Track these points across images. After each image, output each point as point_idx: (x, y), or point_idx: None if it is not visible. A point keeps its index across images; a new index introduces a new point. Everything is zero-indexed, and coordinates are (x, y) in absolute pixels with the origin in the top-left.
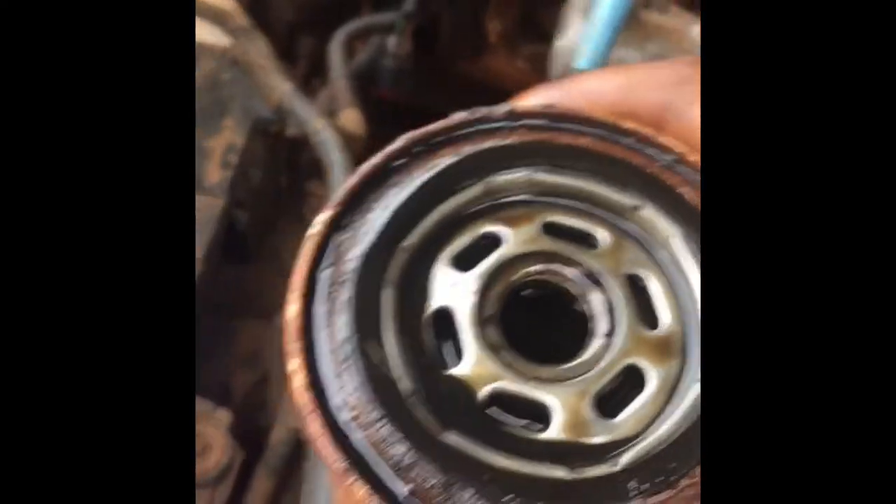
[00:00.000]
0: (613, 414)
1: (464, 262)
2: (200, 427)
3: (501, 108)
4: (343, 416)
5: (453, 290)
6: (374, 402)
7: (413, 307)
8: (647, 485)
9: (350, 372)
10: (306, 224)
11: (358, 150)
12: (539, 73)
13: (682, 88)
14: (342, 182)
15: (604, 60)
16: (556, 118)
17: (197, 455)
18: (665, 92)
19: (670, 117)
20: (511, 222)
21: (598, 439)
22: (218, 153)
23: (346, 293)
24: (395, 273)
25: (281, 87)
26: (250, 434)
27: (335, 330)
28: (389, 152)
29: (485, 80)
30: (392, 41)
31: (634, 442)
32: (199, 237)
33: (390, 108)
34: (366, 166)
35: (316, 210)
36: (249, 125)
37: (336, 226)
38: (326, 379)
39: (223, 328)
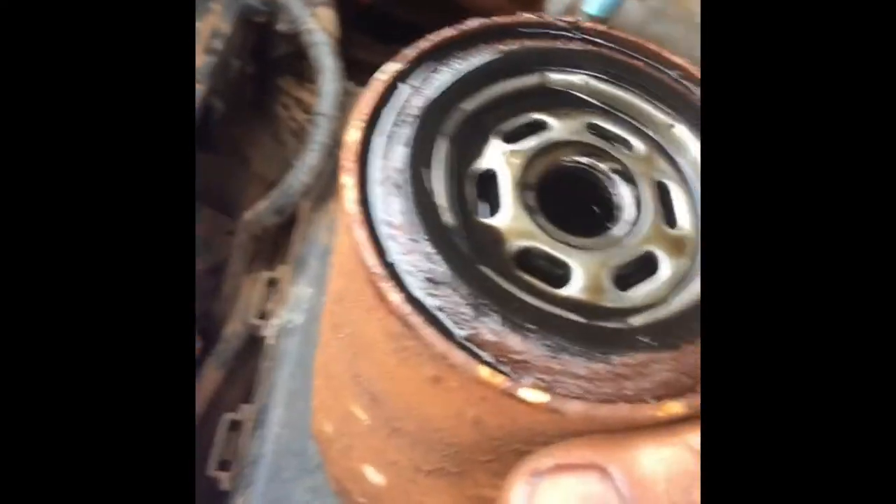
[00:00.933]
0: (628, 288)
1: (513, 137)
2: None
3: (566, 19)
4: (387, 231)
5: (501, 156)
6: (419, 223)
7: (463, 162)
8: (654, 341)
9: (400, 196)
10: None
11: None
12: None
13: None
14: (331, 87)
15: (611, 7)
16: (614, 40)
17: None
18: None
19: None
20: (560, 115)
21: (610, 303)
22: (203, 37)
23: (406, 132)
24: (452, 128)
25: None
26: (198, 324)
27: (391, 160)
28: (463, 29)
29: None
30: None
31: (645, 312)
32: None
33: (364, 13)
34: (437, 36)
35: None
36: (237, 11)
37: (403, 78)
38: (377, 199)
39: None
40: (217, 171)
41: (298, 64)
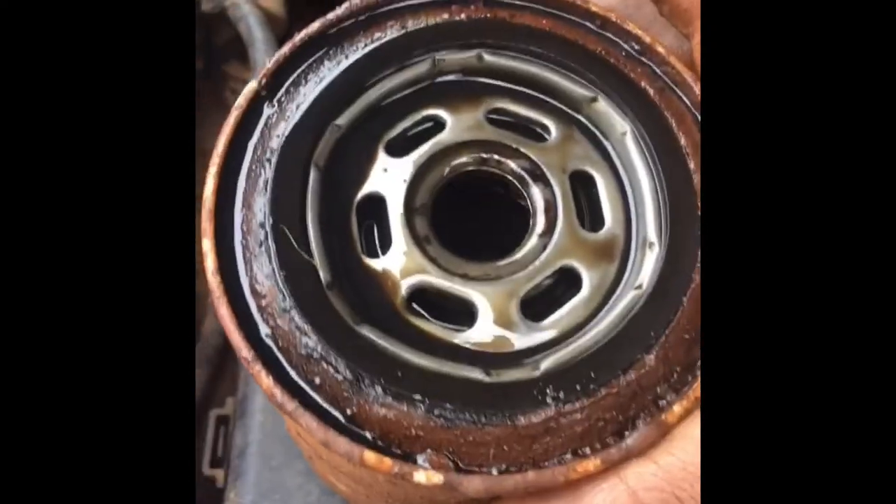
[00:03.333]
0: (542, 316)
1: (400, 146)
2: None
3: None
4: (254, 304)
5: (385, 175)
6: (285, 290)
7: (342, 192)
8: (562, 392)
9: (264, 258)
10: (227, 108)
11: (279, 33)
12: None
13: None
14: (263, 58)
15: None
16: None
17: None
18: None
19: None
20: (454, 106)
21: (520, 342)
22: None
23: (267, 173)
24: (325, 154)
25: None
26: None
27: (252, 212)
28: (327, 20)
29: None
30: None
31: (558, 347)
32: None
33: None
34: (299, 35)
35: (235, 91)
36: None
37: (264, 99)
38: (240, 263)
39: None
40: None
41: (241, 46)
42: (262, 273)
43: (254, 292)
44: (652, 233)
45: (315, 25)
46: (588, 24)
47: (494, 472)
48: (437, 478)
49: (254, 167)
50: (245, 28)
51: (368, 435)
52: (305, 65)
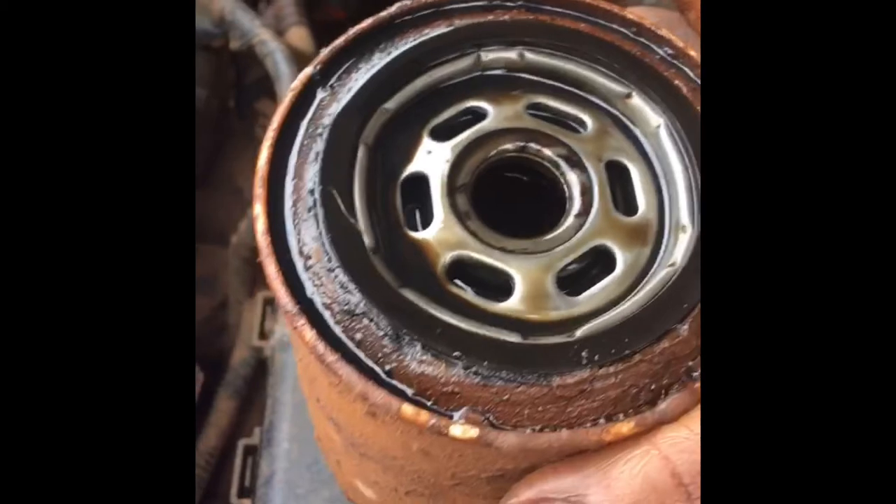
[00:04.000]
0: (578, 292)
1: (444, 132)
2: None
3: None
4: (300, 263)
5: (428, 157)
6: (331, 251)
7: (388, 169)
8: (597, 355)
9: (312, 222)
10: (258, 144)
11: None
12: None
13: None
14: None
15: None
16: (555, 2)
17: None
18: None
19: None
20: (496, 99)
21: (556, 314)
22: None
23: (318, 146)
24: (372, 133)
25: None
26: (211, 358)
27: (303, 179)
28: (380, 18)
29: None
30: None
31: (594, 319)
32: None
33: (339, 27)
34: (353, 30)
35: (265, 128)
36: None
37: (317, 84)
38: (289, 227)
39: None
40: (210, 205)
41: (270, 84)
42: (309, 235)
43: (301, 253)
44: (685, 217)
45: (368, 21)
46: (624, 30)
47: (528, 431)
48: (472, 431)
49: (306, 142)
50: (272, 64)
51: (407, 390)
52: (358, 54)
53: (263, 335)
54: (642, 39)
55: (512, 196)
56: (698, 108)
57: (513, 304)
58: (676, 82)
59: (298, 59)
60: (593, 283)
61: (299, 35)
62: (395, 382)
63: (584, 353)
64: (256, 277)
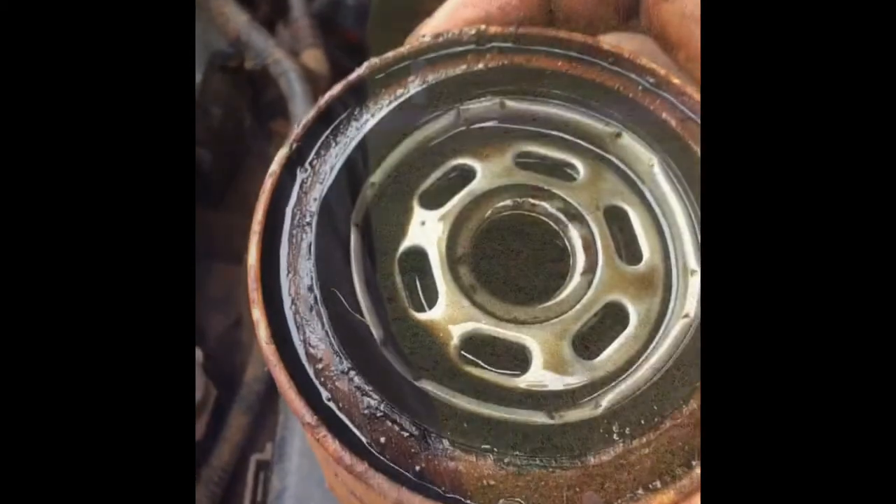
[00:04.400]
0: (595, 354)
1: (434, 198)
2: None
3: (469, 31)
4: (311, 368)
5: (423, 229)
6: (341, 352)
7: (383, 248)
8: (628, 428)
9: (316, 321)
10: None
11: (322, 91)
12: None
13: None
14: (302, 111)
15: None
16: (528, 40)
17: None
18: None
19: None
20: (483, 154)
21: (577, 380)
22: None
23: (309, 237)
24: (361, 213)
25: (237, 18)
26: (225, 375)
27: (299, 276)
28: (349, 82)
29: None
30: None
31: (616, 382)
32: None
33: (354, 49)
34: (323, 99)
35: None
36: (206, 59)
37: (296, 163)
38: (292, 329)
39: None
40: (226, 224)
41: (285, 104)
42: (315, 336)
43: (309, 357)
44: (692, 260)
45: (338, 87)
46: (601, 62)
47: None
48: None
49: (294, 231)
50: (285, 83)
51: (440, 489)
52: (332, 127)
53: None
54: (622, 70)
55: (513, 255)
56: (689, 141)
57: (533, 377)
58: (664, 115)
59: (312, 80)
60: (608, 342)
61: (314, 56)
62: (426, 484)
63: (614, 428)
64: None
